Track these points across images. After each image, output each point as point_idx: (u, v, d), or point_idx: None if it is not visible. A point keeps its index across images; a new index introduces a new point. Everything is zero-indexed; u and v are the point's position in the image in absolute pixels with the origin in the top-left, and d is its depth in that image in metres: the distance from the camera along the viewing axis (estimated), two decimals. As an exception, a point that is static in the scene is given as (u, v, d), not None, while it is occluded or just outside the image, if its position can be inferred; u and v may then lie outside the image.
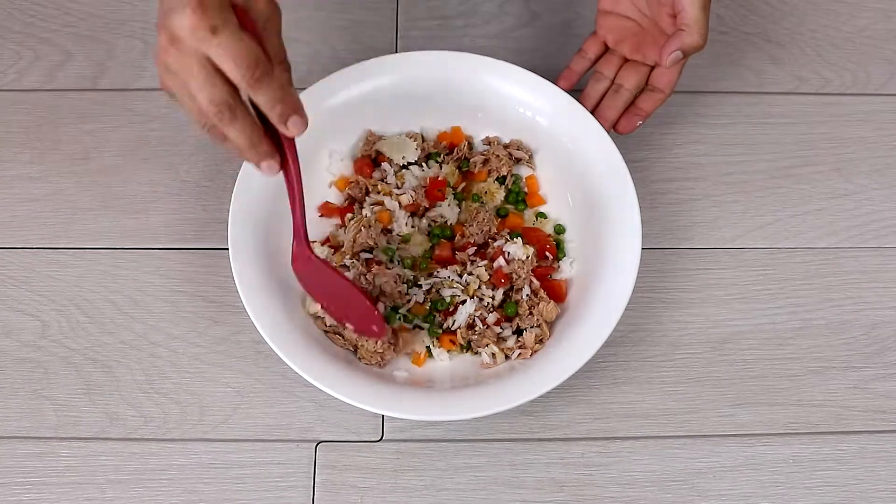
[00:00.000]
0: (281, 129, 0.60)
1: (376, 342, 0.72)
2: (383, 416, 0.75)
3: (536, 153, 0.82)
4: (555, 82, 0.80)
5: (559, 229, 0.80)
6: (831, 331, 0.79)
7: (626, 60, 0.80)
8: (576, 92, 0.81)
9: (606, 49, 0.81)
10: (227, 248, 0.73)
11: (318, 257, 0.70)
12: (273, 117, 0.59)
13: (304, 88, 0.79)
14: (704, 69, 0.89)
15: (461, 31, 0.90)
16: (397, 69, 0.80)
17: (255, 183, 0.75)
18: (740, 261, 0.82)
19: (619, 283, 0.73)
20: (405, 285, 0.75)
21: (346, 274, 0.74)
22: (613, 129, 0.80)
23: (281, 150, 0.63)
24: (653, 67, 0.79)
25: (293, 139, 0.63)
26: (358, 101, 0.80)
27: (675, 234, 0.82)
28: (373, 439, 0.75)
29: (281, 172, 0.64)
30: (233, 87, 0.58)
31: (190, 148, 0.84)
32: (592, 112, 0.79)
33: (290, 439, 0.74)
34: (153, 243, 0.81)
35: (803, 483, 0.74)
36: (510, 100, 0.81)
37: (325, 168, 0.81)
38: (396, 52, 0.89)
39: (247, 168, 0.75)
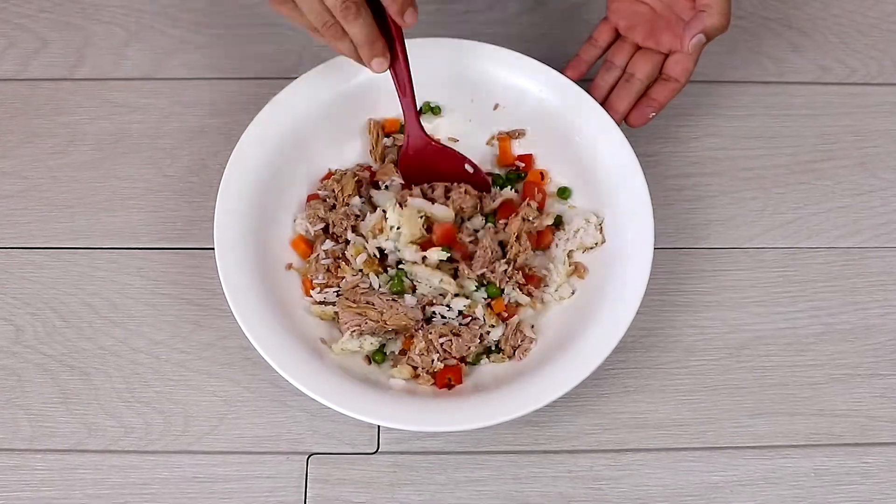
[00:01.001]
0: (398, 20, 0.68)
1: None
2: (379, 426, 0.75)
3: (542, 147, 0.82)
4: (562, 72, 0.80)
5: (564, 193, 0.80)
6: (856, 336, 0.79)
7: (638, 48, 0.80)
8: (585, 82, 0.81)
9: (618, 36, 0.81)
10: (213, 248, 0.73)
11: (436, 141, 0.77)
12: (393, 10, 0.67)
13: (294, 78, 0.79)
14: (721, 57, 0.89)
15: (462, 17, 0.90)
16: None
17: (243, 179, 0.75)
18: (759, 261, 0.82)
19: (630, 285, 0.73)
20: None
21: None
22: (625, 121, 0.80)
23: (391, 46, 0.71)
24: (667, 55, 0.79)
25: (402, 34, 0.71)
26: (352, 93, 0.80)
27: (690, 232, 0.82)
28: (368, 451, 0.75)
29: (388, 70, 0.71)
30: None
31: (173, 141, 0.84)
32: (602, 103, 0.79)
33: (280, 451, 0.74)
34: (134, 243, 0.81)
35: (826, 498, 0.74)
36: (514, 90, 0.81)
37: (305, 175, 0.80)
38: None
39: (234, 163, 0.75)
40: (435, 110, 0.82)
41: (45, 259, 0.80)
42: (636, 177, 0.76)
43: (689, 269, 0.81)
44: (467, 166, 0.78)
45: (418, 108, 0.81)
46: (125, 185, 0.83)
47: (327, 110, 0.80)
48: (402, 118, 0.76)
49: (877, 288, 0.81)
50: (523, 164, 0.81)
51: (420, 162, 0.78)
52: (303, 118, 0.79)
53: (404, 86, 0.74)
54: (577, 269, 0.77)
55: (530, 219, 0.77)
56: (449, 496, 0.73)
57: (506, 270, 0.75)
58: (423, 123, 0.78)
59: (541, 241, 0.78)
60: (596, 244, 0.77)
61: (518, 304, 0.76)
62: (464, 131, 0.83)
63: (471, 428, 0.69)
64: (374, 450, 0.75)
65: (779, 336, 0.79)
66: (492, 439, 0.75)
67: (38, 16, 0.89)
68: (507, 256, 0.76)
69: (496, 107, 0.82)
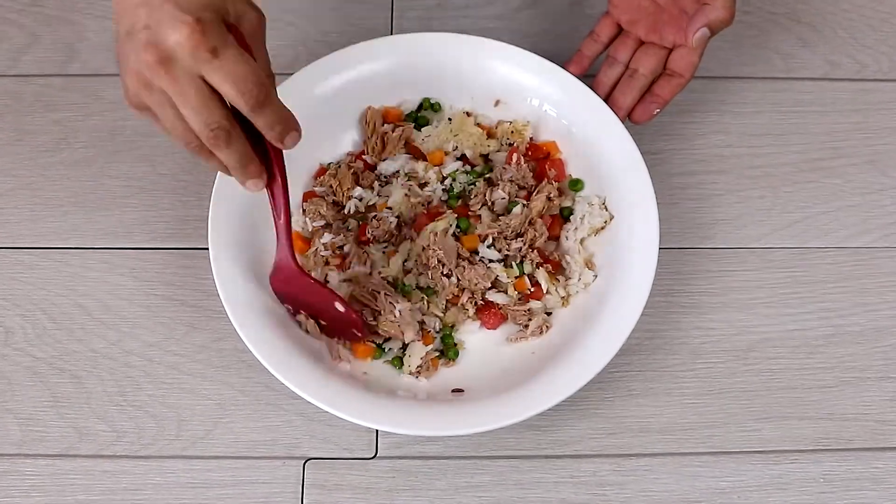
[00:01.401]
0: (277, 145, 0.63)
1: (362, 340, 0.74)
2: (377, 430, 0.75)
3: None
4: (564, 67, 0.80)
5: (577, 185, 0.79)
6: (866, 338, 0.79)
7: (641, 43, 0.80)
8: (587, 78, 0.81)
9: (620, 30, 0.81)
10: (208, 248, 0.72)
11: (305, 272, 0.72)
12: (272, 136, 0.62)
13: (290, 74, 0.79)
14: (728, 53, 0.89)
15: (462, 11, 0.90)
16: (392, 53, 0.80)
17: (238, 177, 0.75)
18: (767, 261, 0.82)
19: (634, 286, 0.73)
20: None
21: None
22: (628, 118, 0.80)
23: (267, 162, 0.65)
24: (671, 50, 0.79)
25: (280, 153, 0.65)
26: (349, 88, 0.80)
27: (695, 232, 0.82)
28: (366, 456, 0.75)
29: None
30: (227, 108, 0.60)
31: (167, 139, 0.84)
32: (606, 100, 0.79)
33: (276, 456, 0.74)
34: (127, 242, 0.80)
35: (835, 504, 0.74)
36: (516, 87, 0.81)
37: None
38: (392, 34, 0.88)
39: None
40: (435, 107, 0.82)
41: (36, 259, 0.80)
42: (640, 175, 0.76)
43: (694, 269, 0.81)
44: (338, 304, 0.72)
45: (420, 103, 0.81)
46: (118, 184, 0.82)
47: (325, 106, 0.80)
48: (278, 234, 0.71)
49: (887, 289, 0.81)
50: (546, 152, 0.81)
51: (290, 287, 0.72)
52: (299, 115, 0.78)
53: (279, 208, 0.68)
54: (587, 262, 0.78)
55: (551, 196, 0.77)
56: (449, 502, 0.73)
57: (520, 248, 0.76)
58: (420, 123, 0.78)
59: (550, 232, 0.78)
60: (605, 222, 0.77)
61: (538, 285, 0.76)
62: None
63: (471, 432, 0.69)
64: (373, 455, 0.75)
65: (787, 338, 0.79)
66: (493, 444, 0.75)
67: (29, 10, 0.89)
68: (524, 239, 0.77)
69: (497, 103, 0.82)
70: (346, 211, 0.79)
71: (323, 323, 0.74)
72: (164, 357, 0.77)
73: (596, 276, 0.76)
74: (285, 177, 0.67)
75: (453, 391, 0.73)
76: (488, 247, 0.77)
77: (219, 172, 0.74)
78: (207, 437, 0.75)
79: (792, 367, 0.78)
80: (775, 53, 0.90)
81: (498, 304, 0.76)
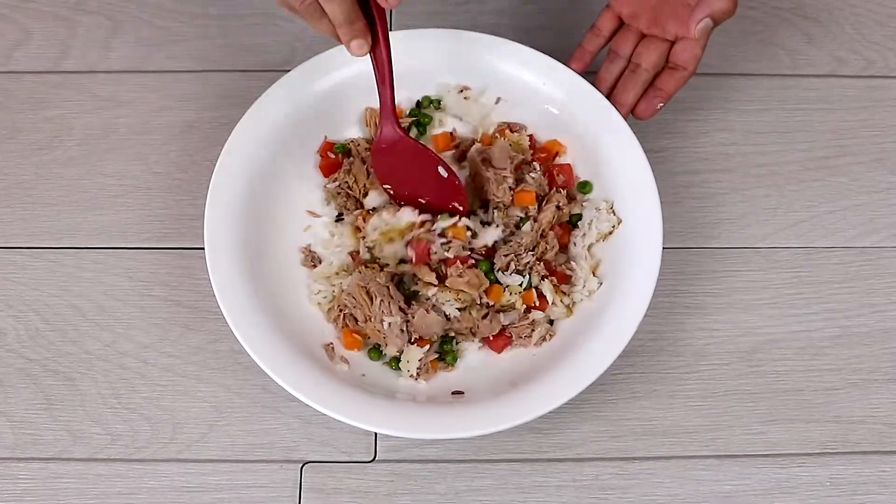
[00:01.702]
0: (380, 1, 0.66)
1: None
2: (376, 433, 0.75)
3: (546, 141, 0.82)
4: (566, 63, 0.80)
5: (585, 188, 0.79)
6: (873, 339, 0.79)
7: (643, 36, 0.80)
8: (589, 74, 0.81)
9: (621, 24, 0.81)
10: (203, 248, 0.72)
11: (410, 137, 0.74)
12: None
13: (287, 70, 0.78)
14: (732, 49, 0.89)
15: (462, 7, 0.90)
16: (393, 49, 0.80)
17: (235, 175, 0.75)
18: (772, 261, 0.82)
19: (637, 287, 0.73)
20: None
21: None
22: (632, 114, 0.80)
23: (372, 29, 0.68)
24: (673, 43, 0.79)
25: (385, 17, 0.69)
26: (348, 85, 0.80)
27: (699, 231, 0.82)
28: (364, 459, 0.74)
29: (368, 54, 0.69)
30: None
31: (162, 137, 0.84)
32: (608, 96, 0.79)
33: (273, 460, 0.74)
34: (121, 242, 0.80)
35: (842, 508, 0.74)
36: (516, 83, 0.81)
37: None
38: (391, 30, 0.88)
39: (225, 159, 0.75)
40: (435, 103, 0.82)
41: (29, 259, 0.80)
42: (644, 174, 0.76)
43: (698, 269, 0.81)
44: (440, 169, 0.74)
45: (419, 101, 0.81)
46: (112, 183, 0.82)
47: (323, 103, 0.80)
48: (378, 108, 0.74)
49: (895, 289, 0.81)
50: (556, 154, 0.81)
51: (392, 158, 0.75)
52: (297, 112, 0.79)
53: (384, 73, 0.71)
54: (593, 269, 0.78)
55: (561, 205, 0.77)
56: (449, 506, 0.73)
57: (528, 262, 0.76)
58: (423, 123, 0.78)
59: (560, 241, 0.78)
60: (613, 227, 0.77)
61: (542, 296, 0.76)
62: (463, 125, 0.83)
63: (472, 435, 0.69)
64: (371, 458, 0.75)
65: (792, 339, 0.79)
66: (493, 447, 0.75)
67: (21, 6, 0.89)
68: (535, 252, 0.76)
69: (498, 100, 0.82)
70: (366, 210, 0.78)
71: (423, 201, 0.75)
72: (159, 359, 0.77)
73: (601, 284, 0.76)
74: (389, 43, 0.70)
75: (453, 393, 0.73)
76: (508, 273, 0.76)
77: (215, 168, 0.75)
78: (203, 440, 0.74)
79: (798, 368, 0.78)
80: (781, 49, 0.90)
81: (504, 327, 0.75)
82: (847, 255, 0.82)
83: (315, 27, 0.67)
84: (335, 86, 0.80)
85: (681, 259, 0.81)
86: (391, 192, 0.76)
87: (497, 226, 0.76)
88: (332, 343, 0.74)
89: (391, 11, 0.89)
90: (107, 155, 0.83)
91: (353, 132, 0.82)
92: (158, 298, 0.79)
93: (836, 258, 0.82)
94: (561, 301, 0.76)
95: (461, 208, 0.75)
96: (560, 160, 0.81)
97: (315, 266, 0.77)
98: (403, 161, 0.74)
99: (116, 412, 0.75)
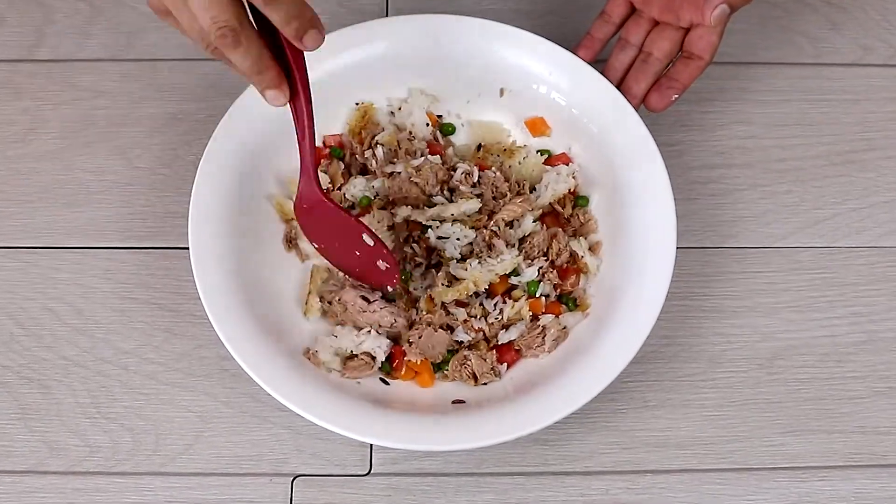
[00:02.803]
0: (296, 44, 0.63)
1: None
2: (371, 445, 0.75)
3: (552, 136, 0.82)
4: (574, 52, 0.80)
5: (582, 202, 0.80)
6: (901, 345, 0.80)
7: (655, 23, 0.80)
8: (598, 63, 0.81)
9: (633, 10, 0.81)
10: (188, 248, 0.73)
11: (329, 199, 0.72)
12: (289, 32, 0.62)
13: (279, 59, 0.79)
14: (752, 36, 0.89)
15: (464, -10, 0.91)
16: (387, 36, 0.80)
17: (221, 170, 0.75)
18: (794, 262, 0.82)
19: (650, 289, 0.73)
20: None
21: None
22: (645, 106, 0.80)
23: (289, 75, 0.65)
24: (687, 30, 0.79)
25: (304, 64, 0.65)
26: (342, 74, 0.80)
27: (716, 230, 0.82)
28: (359, 473, 0.75)
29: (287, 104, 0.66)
30: (239, 6, 0.60)
31: (144, 129, 0.84)
32: (618, 87, 0.79)
33: (262, 473, 0.74)
34: (100, 242, 0.81)
35: (868, 525, 0.74)
36: (521, 73, 0.81)
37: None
38: (387, 15, 0.89)
39: (211, 153, 0.76)
40: (448, 128, 0.82)
41: (1, 259, 0.80)
42: (657, 168, 0.76)
43: (715, 270, 0.81)
44: (365, 237, 0.72)
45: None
46: (90, 178, 0.83)
47: (315, 94, 0.79)
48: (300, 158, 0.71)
49: (924, 292, 0.81)
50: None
51: (314, 219, 0.73)
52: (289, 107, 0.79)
53: (303, 125, 0.68)
54: (594, 248, 0.78)
55: (562, 209, 0.79)
56: (449, 522, 0.73)
57: (541, 268, 0.76)
58: (446, 132, 0.79)
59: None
60: (570, 190, 0.79)
61: (553, 302, 0.77)
62: (464, 120, 0.83)
63: (473, 447, 0.69)
64: (366, 471, 0.75)
65: (815, 345, 0.79)
66: (496, 459, 0.75)
67: (-5, -10, 0.89)
68: (548, 256, 0.77)
69: (502, 92, 0.82)
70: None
71: (355, 270, 0.75)
72: (141, 365, 0.77)
73: (601, 262, 0.77)
74: (309, 92, 0.67)
75: (454, 402, 0.74)
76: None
77: (200, 163, 0.75)
78: (188, 452, 0.75)
79: (820, 376, 0.78)
80: (803, 37, 0.90)
81: (512, 342, 0.76)
82: (873, 256, 0.82)
83: (230, 69, 0.64)
84: (326, 76, 0.80)
85: (696, 259, 0.81)
86: (323, 251, 0.76)
87: (531, 263, 0.77)
88: (315, 350, 0.74)
89: (386, 0, 0.89)
90: (85, 149, 0.84)
91: (342, 124, 0.82)
92: (140, 301, 0.79)
93: (861, 258, 0.82)
94: (597, 263, 0.77)
95: (395, 279, 0.74)
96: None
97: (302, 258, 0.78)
98: (327, 224, 0.73)
99: (95, 422, 0.75)
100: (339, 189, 0.79)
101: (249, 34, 0.61)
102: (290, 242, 0.78)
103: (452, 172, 0.79)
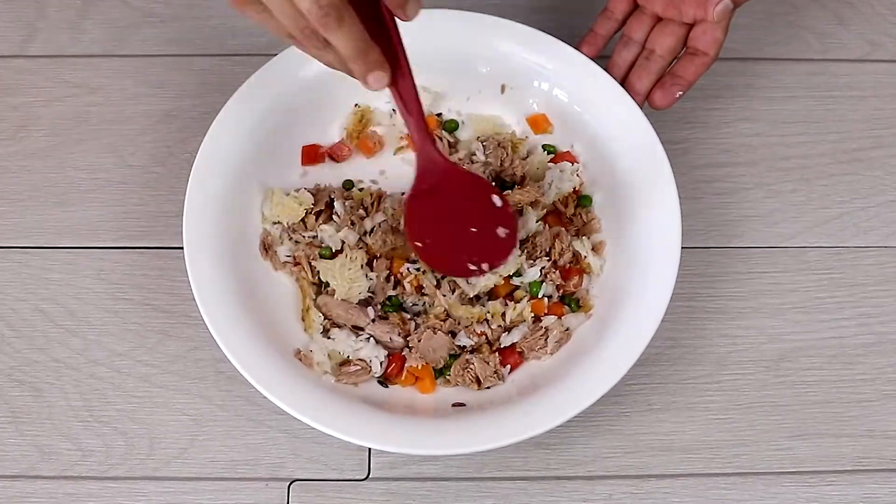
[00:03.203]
0: (398, 13, 0.62)
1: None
2: (370, 449, 0.75)
3: (555, 133, 0.82)
4: (577, 48, 0.80)
5: (585, 201, 0.80)
6: (910, 347, 0.80)
7: (658, 19, 0.80)
8: (602, 59, 0.81)
9: (636, 6, 0.81)
10: (182, 248, 0.73)
11: (454, 163, 0.72)
12: (394, 4, 0.62)
13: (274, 55, 0.79)
14: (757, 31, 0.89)
15: (464, -15, 0.91)
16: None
17: (216, 169, 0.75)
18: (800, 262, 0.82)
19: (654, 290, 0.73)
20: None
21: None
22: (649, 103, 0.80)
23: (390, 55, 0.64)
24: (691, 26, 0.79)
25: (401, 38, 0.65)
26: (338, 74, 0.79)
27: (721, 230, 0.83)
28: (357, 477, 0.75)
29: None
30: None
31: (137, 126, 0.84)
32: (622, 84, 0.79)
33: (258, 477, 0.74)
34: (93, 241, 0.81)
35: (876, 530, 0.74)
36: (523, 69, 0.81)
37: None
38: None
39: (206, 151, 0.75)
40: (450, 125, 0.82)
41: (-7, 260, 0.80)
42: (661, 167, 0.76)
43: (720, 270, 0.81)
44: (495, 197, 0.72)
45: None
46: (83, 176, 0.83)
47: (311, 91, 0.80)
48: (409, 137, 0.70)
49: (934, 292, 0.81)
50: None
51: (435, 199, 0.71)
52: (284, 100, 0.79)
53: (410, 104, 0.67)
54: (597, 248, 0.78)
55: (565, 209, 0.79)
56: (449, 528, 0.73)
57: (543, 268, 0.76)
58: (449, 128, 0.80)
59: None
60: (575, 188, 0.79)
61: (555, 303, 0.77)
62: (466, 116, 0.83)
63: (474, 451, 0.69)
64: (365, 476, 0.75)
65: (822, 347, 0.79)
66: (498, 464, 0.75)
67: (-16, -15, 0.89)
68: (551, 257, 0.77)
69: (503, 88, 0.82)
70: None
71: (463, 257, 0.72)
72: (135, 368, 0.77)
73: (604, 262, 0.77)
74: (409, 66, 0.66)
75: (454, 405, 0.74)
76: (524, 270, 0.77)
77: (195, 161, 0.75)
78: (182, 456, 0.75)
79: (828, 378, 0.78)
80: (810, 32, 0.90)
81: (515, 344, 0.76)
82: (882, 256, 0.82)
83: (321, 59, 0.64)
84: (324, 72, 0.79)
85: (701, 259, 0.81)
86: (424, 250, 0.73)
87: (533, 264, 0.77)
88: (308, 351, 0.74)
89: None
90: (77, 146, 0.84)
91: (342, 120, 0.82)
92: (133, 302, 0.79)
93: (870, 258, 0.82)
94: (600, 264, 0.77)
95: (509, 252, 0.73)
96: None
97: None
98: (449, 200, 0.72)
99: (88, 426, 0.75)
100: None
101: (351, 12, 0.60)
102: (267, 249, 0.77)
103: None
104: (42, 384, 0.76)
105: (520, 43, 0.80)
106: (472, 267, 0.73)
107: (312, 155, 0.81)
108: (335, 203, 0.78)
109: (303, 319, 0.76)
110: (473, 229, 0.72)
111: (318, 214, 0.78)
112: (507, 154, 0.80)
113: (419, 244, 0.73)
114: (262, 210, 0.78)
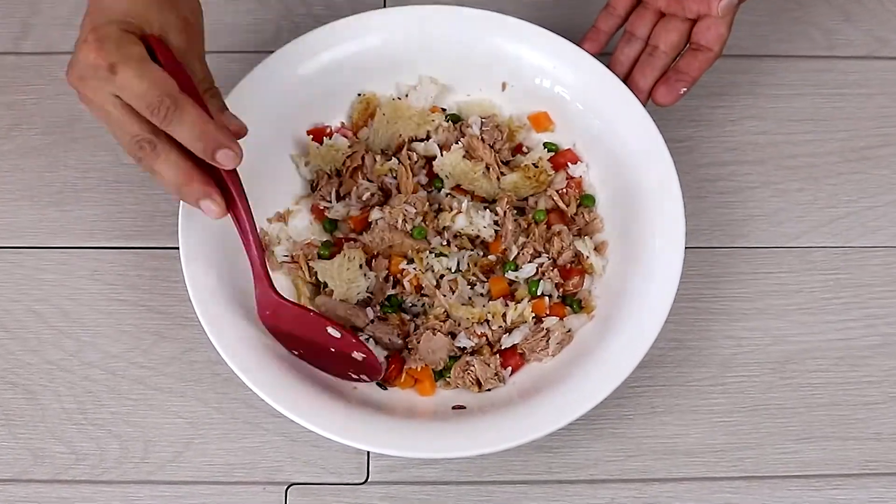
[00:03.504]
0: (211, 162, 0.65)
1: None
2: (368, 452, 0.75)
3: (556, 132, 0.82)
4: (579, 45, 0.80)
5: (587, 201, 0.80)
6: (918, 348, 0.80)
7: (661, 15, 0.80)
8: (604, 56, 0.81)
9: (639, 2, 0.81)
10: (178, 248, 0.73)
11: (287, 300, 0.72)
12: (198, 151, 0.64)
13: (271, 52, 0.79)
14: (763, 28, 0.89)
15: (464, -19, 0.90)
16: (385, 28, 0.80)
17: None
18: (806, 262, 0.82)
19: (657, 290, 0.73)
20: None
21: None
22: (652, 100, 0.80)
23: (223, 185, 0.67)
24: (695, 21, 0.79)
25: (234, 174, 0.67)
26: (337, 68, 0.80)
27: (726, 229, 0.83)
28: (356, 481, 0.75)
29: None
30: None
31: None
32: (624, 80, 0.79)
33: (255, 481, 0.74)
34: (87, 241, 0.81)
35: (884, 535, 0.74)
36: (524, 66, 0.81)
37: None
38: (385, 6, 0.89)
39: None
40: (453, 118, 0.83)
41: (-15, 260, 0.80)
42: (664, 165, 0.76)
43: (725, 271, 0.81)
44: (330, 329, 0.71)
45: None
46: (77, 176, 0.83)
47: (309, 88, 0.80)
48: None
49: (942, 293, 0.81)
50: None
51: (281, 322, 0.72)
52: (283, 97, 0.79)
53: (247, 235, 0.69)
54: (600, 248, 0.78)
55: (566, 207, 0.79)
56: (449, 533, 0.74)
57: (540, 265, 0.76)
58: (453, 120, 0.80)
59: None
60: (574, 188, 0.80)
61: (556, 304, 0.77)
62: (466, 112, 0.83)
63: (474, 454, 0.69)
64: (364, 479, 0.75)
65: (829, 348, 0.79)
66: (498, 467, 0.75)
67: (-23, -19, 0.89)
68: (550, 254, 0.77)
69: (504, 86, 0.82)
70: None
71: (337, 368, 0.73)
72: (129, 370, 0.77)
73: (607, 262, 0.78)
74: (246, 200, 0.68)
75: (454, 408, 0.74)
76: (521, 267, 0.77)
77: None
78: (177, 459, 0.75)
79: (834, 381, 0.78)
80: (816, 29, 0.90)
81: (516, 346, 0.76)
82: (890, 256, 0.82)
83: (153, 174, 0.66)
84: (323, 69, 0.80)
85: (705, 260, 0.81)
86: (305, 360, 0.73)
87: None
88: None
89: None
90: (71, 145, 0.84)
91: (341, 118, 0.82)
92: (128, 303, 0.79)
93: (877, 259, 0.82)
94: (603, 264, 0.77)
95: (376, 367, 0.73)
96: (572, 169, 0.81)
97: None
98: (293, 326, 0.72)
99: (82, 429, 0.75)
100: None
101: (167, 145, 0.64)
102: (264, 249, 0.77)
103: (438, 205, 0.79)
104: (35, 386, 0.76)
105: (521, 39, 0.80)
106: (355, 376, 0.73)
107: (320, 135, 0.81)
108: (365, 158, 0.79)
109: None
110: (332, 350, 0.73)
111: (353, 171, 0.79)
112: (501, 138, 0.80)
113: (295, 352, 0.73)
114: (298, 168, 0.80)
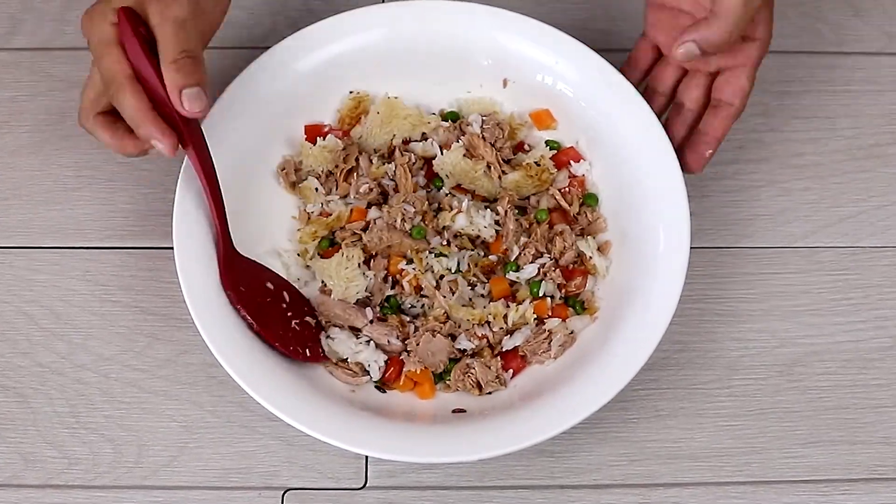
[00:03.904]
0: (176, 105, 0.68)
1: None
2: (367, 457, 0.75)
3: (558, 130, 0.82)
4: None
5: (590, 200, 0.80)
6: (928, 351, 0.80)
7: (684, 71, 0.79)
8: (608, 53, 0.81)
9: (660, 55, 0.80)
10: (172, 248, 0.73)
11: (246, 258, 0.73)
12: (168, 82, 0.68)
13: (268, 47, 0.79)
14: (769, 23, 0.89)
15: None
16: (384, 23, 0.80)
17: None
18: (814, 263, 0.82)
19: (662, 291, 0.73)
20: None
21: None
22: (683, 168, 0.77)
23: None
24: (715, 75, 0.77)
25: (195, 125, 0.71)
26: (333, 64, 0.80)
27: (731, 229, 0.83)
28: (354, 486, 0.75)
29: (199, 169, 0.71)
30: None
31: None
32: None
33: (250, 486, 0.74)
34: (79, 241, 0.81)
35: (893, 541, 0.75)
36: (526, 63, 0.81)
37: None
38: (383, 1, 0.88)
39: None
40: (452, 116, 0.83)
41: (-25, 260, 0.80)
42: (668, 163, 0.76)
43: (731, 271, 0.81)
44: (284, 293, 0.75)
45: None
46: (69, 174, 0.83)
47: (307, 84, 0.80)
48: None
49: (952, 294, 0.81)
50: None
51: (243, 277, 0.73)
52: (277, 94, 0.79)
53: (202, 181, 0.72)
54: (603, 248, 0.79)
55: (569, 207, 0.79)
56: (449, 539, 0.74)
57: (542, 266, 0.76)
58: (452, 118, 0.80)
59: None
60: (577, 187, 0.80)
61: (559, 305, 0.77)
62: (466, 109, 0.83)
63: (475, 459, 0.69)
64: (362, 485, 0.75)
65: (837, 351, 0.79)
66: (499, 472, 0.75)
67: (-34, -25, 0.89)
68: (552, 254, 0.77)
69: (505, 83, 0.82)
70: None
71: (280, 333, 0.73)
72: (123, 372, 0.77)
73: (610, 262, 0.78)
74: (202, 144, 0.71)
75: (454, 411, 0.74)
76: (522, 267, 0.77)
77: (184, 163, 0.75)
78: (172, 464, 0.75)
79: (843, 384, 0.78)
80: (824, 24, 0.90)
81: (517, 348, 0.76)
82: (898, 256, 0.82)
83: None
84: (319, 64, 0.80)
85: (710, 260, 0.81)
86: (252, 324, 0.72)
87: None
88: None
89: None
90: (63, 143, 0.84)
91: (334, 112, 0.82)
92: (121, 304, 0.79)
93: (886, 259, 0.82)
94: (606, 265, 0.77)
95: (312, 354, 0.74)
96: (575, 169, 0.81)
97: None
98: (246, 279, 0.73)
99: (74, 433, 0.75)
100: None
101: (133, 84, 0.68)
102: (287, 172, 0.80)
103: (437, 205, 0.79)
104: (26, 389, 0.76)
105: (522, 35, 0.80)
106: (300, 350, 0.74)
107: (315, 133, 0.81)
108: (359, 158, 0.79)
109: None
110: (289, 314, 0.74)
111: (346, 173, 0.79)
112: (502, 136, 0.80)
113: (252, 321, 0.72)
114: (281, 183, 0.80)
